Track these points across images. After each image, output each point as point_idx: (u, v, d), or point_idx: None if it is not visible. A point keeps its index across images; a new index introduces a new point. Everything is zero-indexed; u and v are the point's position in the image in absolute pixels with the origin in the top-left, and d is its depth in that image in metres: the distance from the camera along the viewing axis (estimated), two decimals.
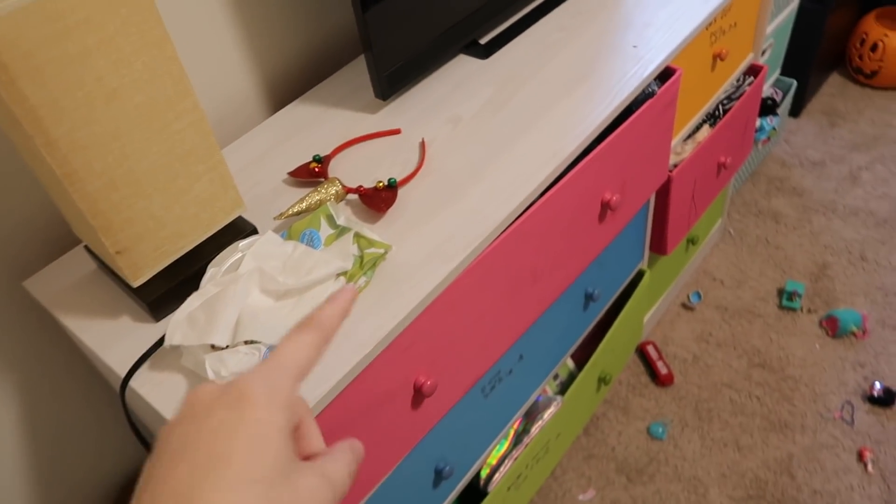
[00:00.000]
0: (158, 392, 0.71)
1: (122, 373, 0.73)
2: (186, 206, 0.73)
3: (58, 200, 0.72)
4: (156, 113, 0.66)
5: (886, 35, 2.15)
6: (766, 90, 1.90)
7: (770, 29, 1.70)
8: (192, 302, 0.73)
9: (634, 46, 1.10)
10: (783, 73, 2.09)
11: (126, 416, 0.74)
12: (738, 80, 1.49)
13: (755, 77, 1.49)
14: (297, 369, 0.33)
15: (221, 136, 1.09)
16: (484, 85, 1.07)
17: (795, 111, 2.24)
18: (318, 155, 0.95)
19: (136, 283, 0.73)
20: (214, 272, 0.76)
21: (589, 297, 1.23)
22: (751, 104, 1.49)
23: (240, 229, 0.82)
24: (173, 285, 0.77)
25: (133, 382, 0.73)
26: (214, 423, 0.29)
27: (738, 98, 1.45)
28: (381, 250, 0.80)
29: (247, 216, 0.87)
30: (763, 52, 1.75)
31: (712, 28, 1.24)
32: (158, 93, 0.65)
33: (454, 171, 0.93)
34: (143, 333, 0.77)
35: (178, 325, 0.71)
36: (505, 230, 0.87)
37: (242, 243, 0.77)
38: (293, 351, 0.33)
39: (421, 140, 0.98)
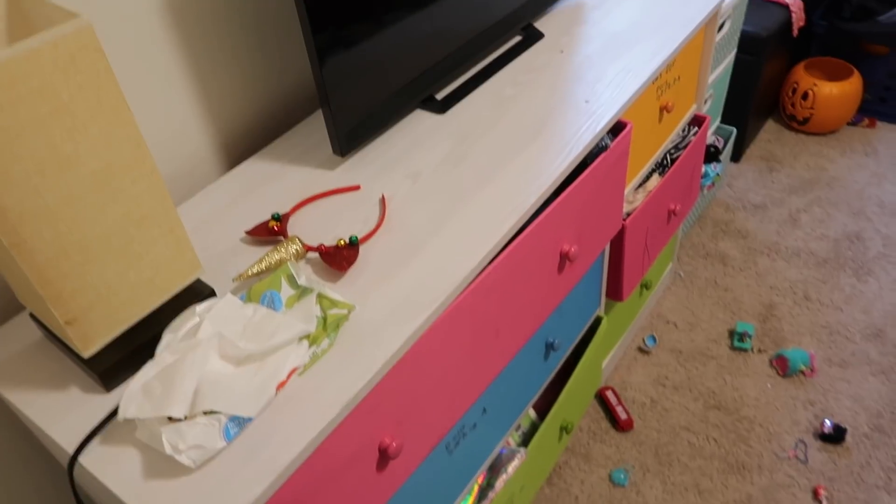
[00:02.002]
0: (111, 469, 0.68)
1: (71, 449, 0.69)
2: (141, 271, 0.71)
3: (1, 268, 0.69)
4: (111, 178, 0.64)
5: (815, 84, 2.28)
6: (709, 138, 1.98)
7: (710, 81, 1.77)
8: (148, 371, 0.70)
9: (586, 101, 1.14)
10: (723, 121, 2.18)
11: (74, 496, 0.70)
12: (683, 131, 1.54)
13: (699, 127, 1.55)
14: None
15: (177, 194, 1.07)
16: (442, 140, 1.08)
17: (736, 157, 2.33)
18: (276, 213, 0.94)
19: (87, 354, 0.70)
20: (171, 339, 0.73)
21: (550, 347, 1.23)
22: (696, 152, 1.54)
23: (197, 293, 0.80)
24: (127, 353, 0.74)
25: (83, 459, 0.69)
26: None
27: (684, 147, 1.50)
28: (345, 311, 0.78)
29: (204, 278, 0.85)
30: (705, 103, 1.83)
31: (658, 82, 1.29)
32: (115, 157, 0.64)
33: (415, 227, 0.93)
34: (93, 406, 0.74)
35: (133, 397, 0.68)
36: (468, 286, 0.87)
37: (200, 307, 0.75)
38: None
39: (381, 196, 0.98)
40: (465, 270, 0.86)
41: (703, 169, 1.87)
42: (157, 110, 1.00)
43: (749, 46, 2.04)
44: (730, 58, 1.88)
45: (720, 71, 1.83)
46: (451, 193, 0.97)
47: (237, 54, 1.08)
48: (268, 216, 0.95)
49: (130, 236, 0.68)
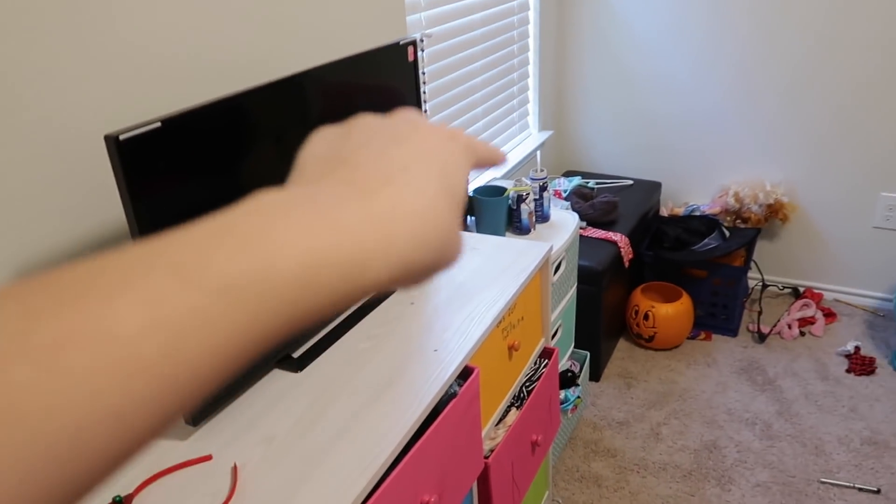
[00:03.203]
0: None
1: None
2: None
3: None
4: None
5: (653, 306, 2.55)
6: (566, 364, 2.12)
7: (556, 314, 1.95)
8: None
9: (435, 350, 1.22)
10: (578, 346, 2.36)
11: None
12: (535, 363, 1.66)
13: (549, 359, 1.67)
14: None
15: None
16: (298, 398, 1.11)
17: (596, 377, 2.49)
18: (118, 496, 0.90)
19: None
20: None
21: None
22: (550, 383, 1.65)
23: None
24: None
25: None
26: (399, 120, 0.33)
27: (537, 380, 1.60)
28: None
29: None
30: (555, 333, 1.99)
31: (503, 325, 1.42)
32: None
33: (268, 496, 0.91)
34: None
35: None
36: None
37: None
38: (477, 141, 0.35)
39: (233, 465, 0.97)
40: None
41: (563, 394, 1.98)
42: None
43: (589, 279, 2.30)
44: (572, 291, 2.09)
45: (565, 303, 2.03)
46: (306, 456, 0.98)
47: None
48: (108, 500, 0.91)
49: None
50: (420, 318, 1.34)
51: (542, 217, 2.01)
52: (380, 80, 1.35)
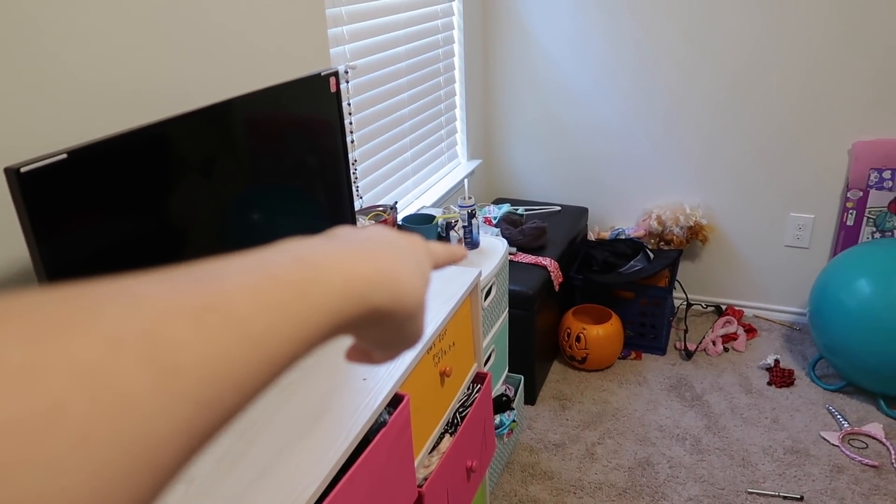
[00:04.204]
0: None
1: None
2: None
3: None
4: None
5: (584, 328, 2.60)
6: (500, 388, 2.14)
7: (489, 339, 1.97)
8: None
9: (364, 379, 1.21)
10: (512, 370, 2.38)
11: None
12: (468, 389, 1.66)
13: (482, 384, 1.68)
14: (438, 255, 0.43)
15: None
16: (219, 438, 1.08)
17: (531, 399, 2.51)
18: None
19: None
20: None
21: None
22: (484, 408, 1.65)
23: None
24: None
25: None
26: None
27: (471, 405, 1.61)
28: None
29: None
30: (489, 358, 2.00)
31: (434, 351, 1.42)
32: None
33: None
34: None
35: None
36: None
37: None
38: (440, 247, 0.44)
39: None
40: None
41: (498, 419, 1.99)
42: None
43: (520, 303, 2.33)
44: (504, 315, 2.12)
45: (498, 328, 2.05)
46: (228, 498, 0.95)
47: None
48: None
49: None
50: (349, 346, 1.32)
51: (472, 243, 2.03)
52: (302, 111, 1.35)
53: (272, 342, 0.26)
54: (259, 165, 1.26)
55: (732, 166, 2.81)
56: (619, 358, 2.76)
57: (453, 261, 0.44)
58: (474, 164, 2.97)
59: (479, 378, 1.71)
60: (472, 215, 2.00)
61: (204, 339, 0.23)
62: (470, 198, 2.00)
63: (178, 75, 1.36)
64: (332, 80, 1.43)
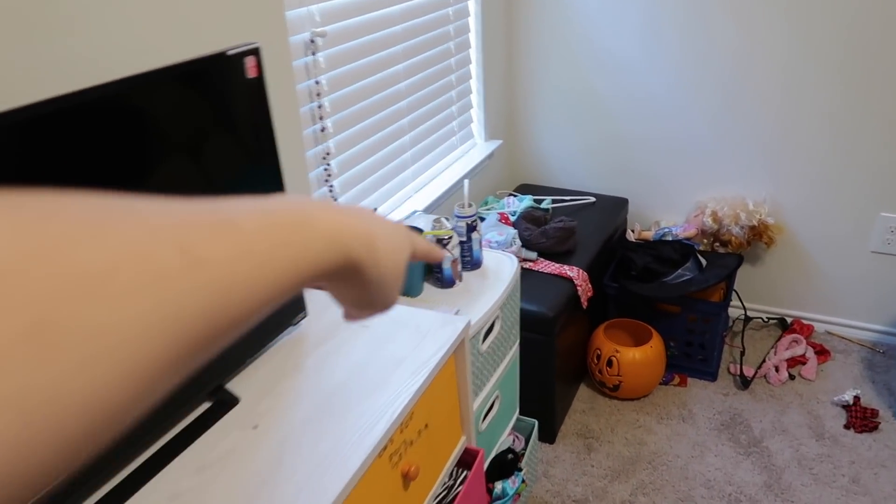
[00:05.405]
0: None
1: None
2: None
3: None
4: None
5: (618, 351, 2.15)
6: (507, 441, 1.72)
7: (490, 386, 1.54)
8: None
9: None
10: (529, 408, 1.95)
11: None
12: (452, 475, 1.25)
13: (470, 468, 1.26)
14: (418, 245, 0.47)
15: None
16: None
17: (550, 437, 2.09)
18: None
19: None
20: None
21: None
22: (472, 498, 1.24)
23: None
24: None
25: None
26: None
27: (452, 501, 1.19)
28: None
29: None
30: (492, 406, 1.58)
31: (390, 450, 1.00)
32: None
33: None
34: None
35: None
36: None
37: None
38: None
39: None
40: None
41: (501, 487, 1.58)
42: None
43: (538, 326, 1.89)
44: (513, 349, 1.69)
45: (503, 369, 1.62)
46: None
47: None
48: None
49: None
50: (263, 450, 0.92)
51: (472, 263, 1.60)
52: (194, 111, 0.92)
53: (271, 264, 0.30)
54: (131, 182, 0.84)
55: (809, 153, 2.27)
56: (661, 383, 2.30)
57: (431, 258, 0.49)
58: (493, 145, 2.50)
59: (470, 455, 1.29)
60: (472, 228, 1.56)
61: (221, 243, 0.27)
62: (470, 205, 1.56)
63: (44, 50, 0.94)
64: (250, 60, 0.99)
